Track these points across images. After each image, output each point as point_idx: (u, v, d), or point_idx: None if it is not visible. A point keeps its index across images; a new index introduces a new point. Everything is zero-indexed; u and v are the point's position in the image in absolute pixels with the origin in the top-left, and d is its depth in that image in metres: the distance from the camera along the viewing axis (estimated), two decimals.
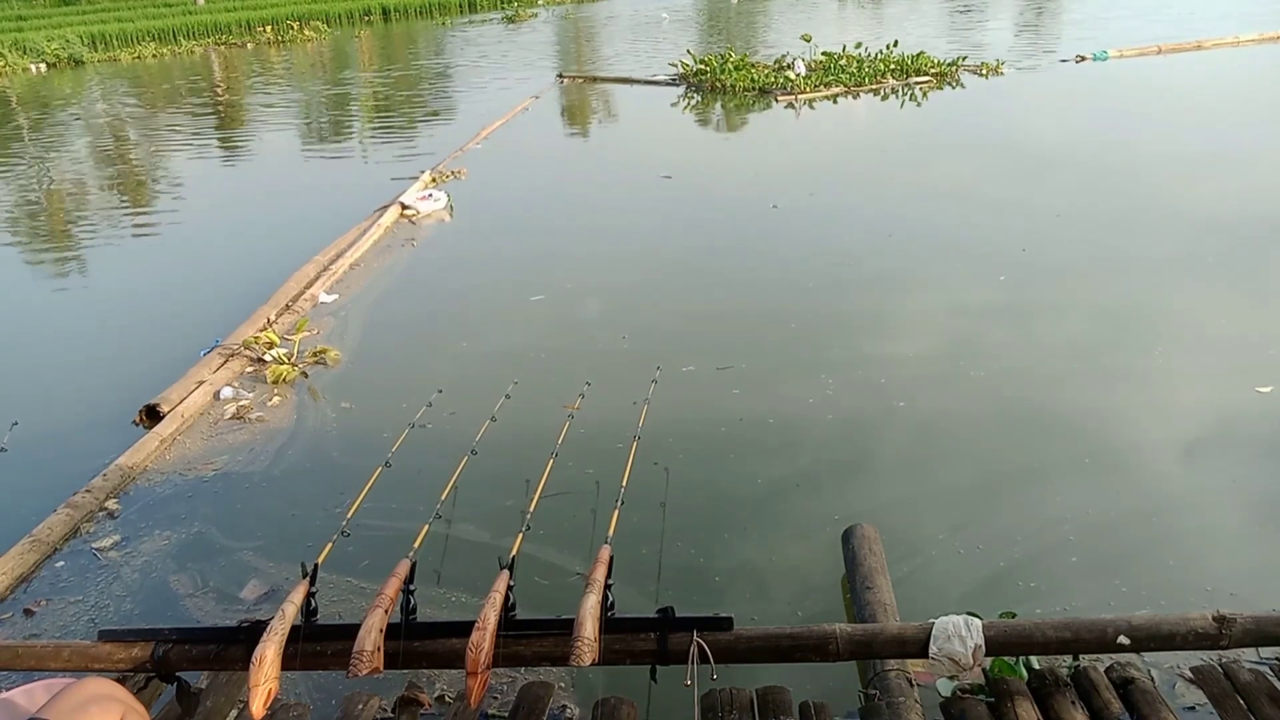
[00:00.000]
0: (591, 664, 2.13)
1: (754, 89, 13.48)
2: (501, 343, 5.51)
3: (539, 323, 5.79)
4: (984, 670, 2.55)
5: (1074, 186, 7.99)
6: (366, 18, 29.77)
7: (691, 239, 7.33)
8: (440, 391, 3.97)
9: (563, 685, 2.85)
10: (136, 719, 1.60)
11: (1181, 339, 5.12)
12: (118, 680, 2.06)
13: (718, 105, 13.25)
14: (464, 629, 2.39)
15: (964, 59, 13.99)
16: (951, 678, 2.56)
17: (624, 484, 2.75)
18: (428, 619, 2.49)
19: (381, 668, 2.19)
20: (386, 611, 2.24)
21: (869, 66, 13.71)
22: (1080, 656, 2.64)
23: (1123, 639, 2.32)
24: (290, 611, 2.21)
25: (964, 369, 4.85)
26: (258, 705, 2.03)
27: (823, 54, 14.38)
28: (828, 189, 8.57)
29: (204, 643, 2.38)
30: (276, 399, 4.96)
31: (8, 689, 1.94)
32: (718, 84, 13.85)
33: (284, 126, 14.01)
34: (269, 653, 2.08)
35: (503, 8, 30.25)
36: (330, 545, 2.62)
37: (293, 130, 13.81)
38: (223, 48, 25.40)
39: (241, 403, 4.92)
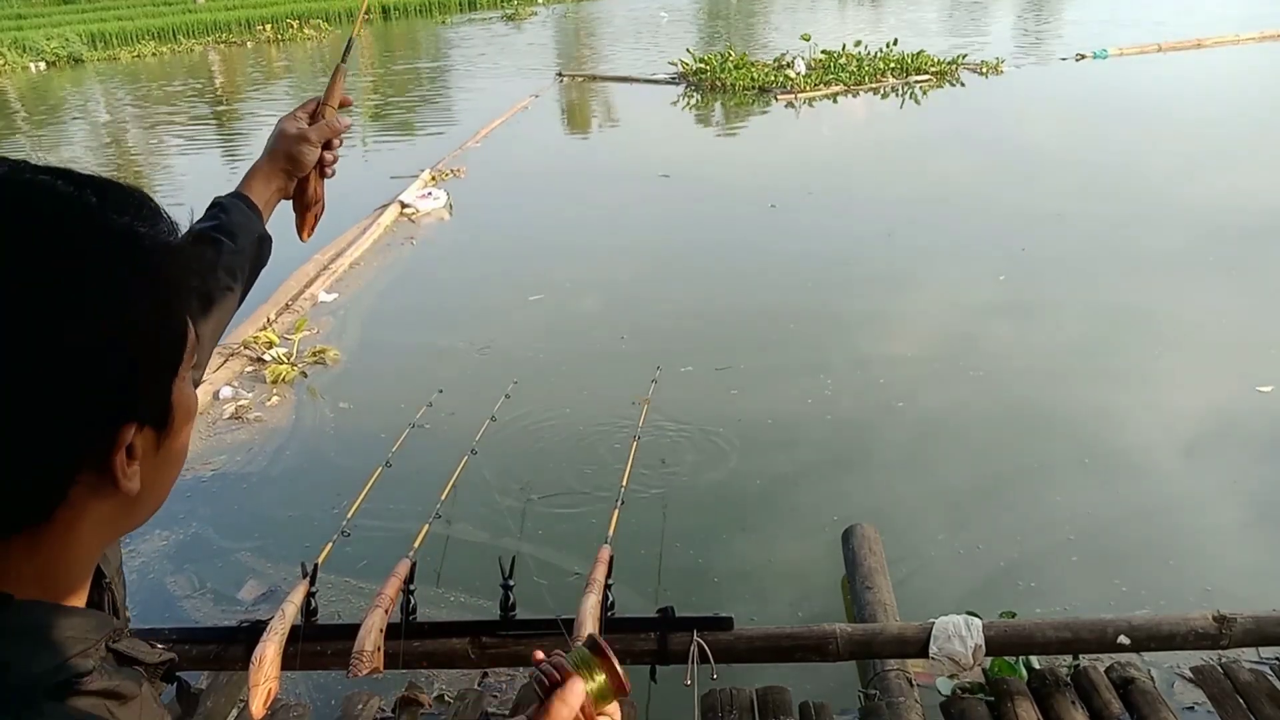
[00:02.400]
0: None
1: (754, 88, 13.46)
2: (501, 342, 5.50)
3: (538, 322, 5.78)
4: (984, 670, 2.55)
5: (1074, 185, 7.98)
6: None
7: (690, 238, 7.32)
8: (441, 392, 3.98)
9: None
10: None
11: (1182, 338, 5.12)
12: None
13: (717, 104, 13.24)
14: (464, 629, 2.40)
15: (964, 57, 13.97)
16: (951, 677, 2.56)
17: (624, 484, 2.75)
18: (428, 619, 2.50)
19: (381, 668, 2.19)
20: (386, 611, 2.24)
21: (869, 65, 13.69)
22: (1080, 656, 2.64)
23: (1123, 639, 2.32)
24: (290, 611, 2.21)
25: (963, 369, 4.85)
26: (258, 705, 2.03)
27: (822, 53, 14.37)
28: (827, 188, 8.56)
29: (204, 643, 2.38)
30: (275, 399, 4.96)
31: None
32: (717, 83, 13.84)
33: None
34: (269, 652, 2.09)
35: (502, 6, 30.22)
36: (330, 546, 2.63)
37: None
38: (223, 46, 25.38)
39: (240, 402, 4.92)
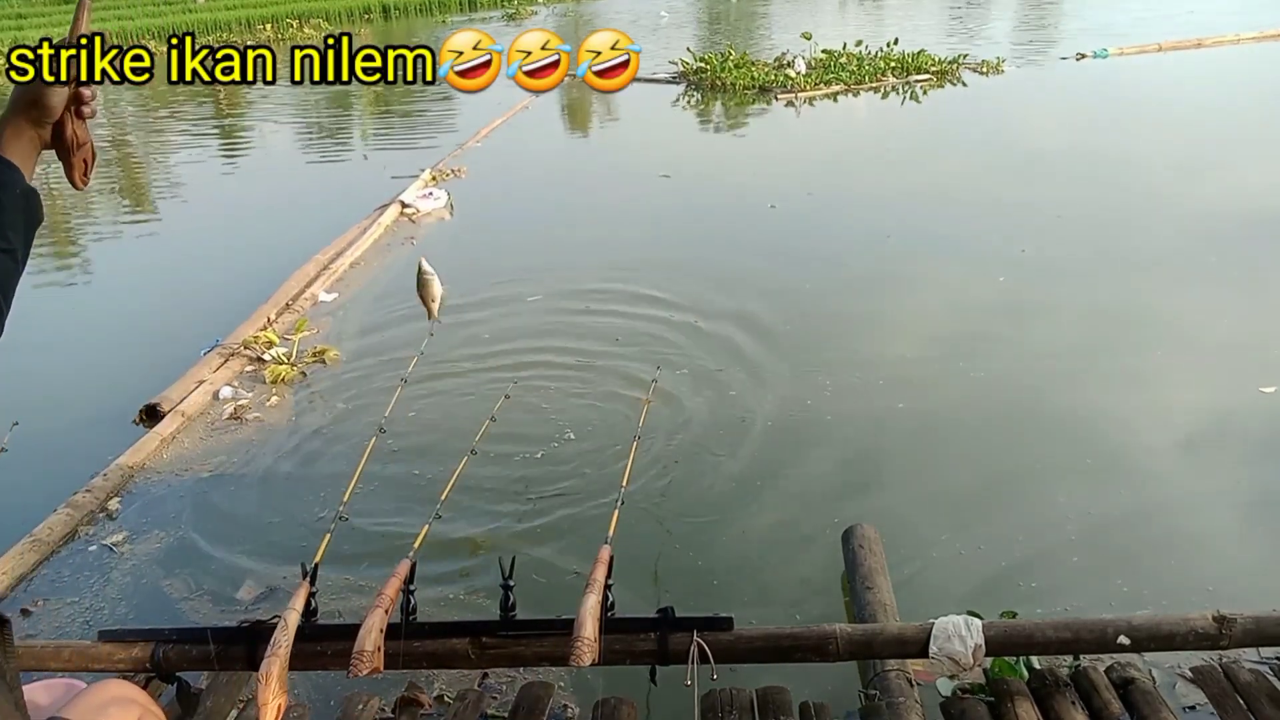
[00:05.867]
0: (591, 664, 2.13)
1: (754, 87, 13.45)
2: (500, 343, 5.50)
3: (537, 323, 5.78)
4: (985, 670, 2.55)
5: (1075, 185, 7.97)
6: (367, 15, 29.73)
7: (689, 238, 7.31)
8: (440, 392, 3.98)
9: (563, 685, 2.85)
10: None
11: (1184, 339, 5.12)
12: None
13: (718, 103, 13.24)
14: (464, 629, 2.40)
15: (964, 57, 13.96)
16: (952, 677, 2.56)
17: (624, 484, 2.74)
18: (428, 619, 2.49)
19: (381, 668, 2.18)
20: (386, 611, 2.24)
21: (869, 64, 13.68)
22: (1080, 656, 2.64)
23: (1123, 639, 2.31)
24: (293, 620, 2.19)
25: (964, 370, 4.85)
26: None
27: (823, 52, 14.35)
28: (827, 188, 8.56)
29: (204, 643, 2.37)
30: (275, 399, 4.96)
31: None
32: (718, 82, 13.83)
33: (285, 125, 13.99)
34: (274, 670, 2.07)
35: (503, 5, 30.21)
36: (328, 537, 2.60)
37: (293, 129, 13.80)
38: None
39: (240, 402, 4.91)
